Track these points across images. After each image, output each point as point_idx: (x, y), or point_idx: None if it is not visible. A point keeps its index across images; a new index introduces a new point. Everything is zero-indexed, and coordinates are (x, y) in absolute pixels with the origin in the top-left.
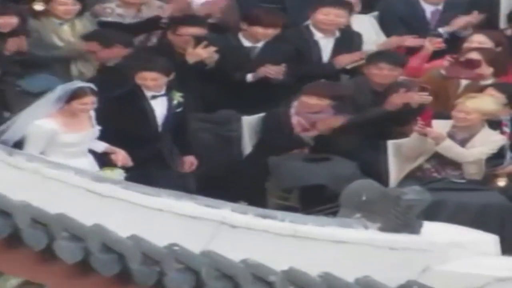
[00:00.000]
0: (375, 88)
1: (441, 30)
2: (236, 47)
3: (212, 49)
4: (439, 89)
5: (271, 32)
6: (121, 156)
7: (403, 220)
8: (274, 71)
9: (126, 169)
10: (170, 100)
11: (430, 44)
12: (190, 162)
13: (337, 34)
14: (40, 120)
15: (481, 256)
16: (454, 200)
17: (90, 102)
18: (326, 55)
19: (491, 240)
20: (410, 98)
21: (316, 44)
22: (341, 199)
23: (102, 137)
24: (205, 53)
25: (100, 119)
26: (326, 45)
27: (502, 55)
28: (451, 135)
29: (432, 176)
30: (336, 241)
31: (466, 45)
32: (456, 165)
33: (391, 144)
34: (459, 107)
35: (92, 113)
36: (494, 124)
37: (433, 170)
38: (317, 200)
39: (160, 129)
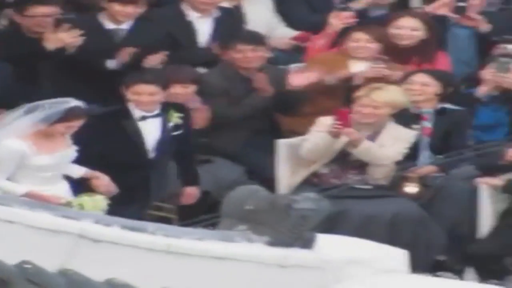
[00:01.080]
0: (243, 74)
1: (351, 5)
2: (97, 29)
3: (76, 32)
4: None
5: (132, 10)
6: (104, 181)
7: (295, 233)
8: (152, 59)
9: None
10: (165, 122)
11: (336, 20)
12: (190, 194)
13: (216, 13)
14: (8, 140)
15: (385, 274)
16: (360, 210)
17: (77, 125)
18: (203, 37)
19: (397, 256)
20: (307, 78)
21: (191, 25)
22: (222, 208)
23: (81, 162)
24: (68, 38)
25: (79, 141)
26: (203, 26)
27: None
28: None
29: (330, 182)
30: (216, 257)
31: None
32: (359, 169)
33: (282, 144)
34: (364, 101)
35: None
36: (413, 118)
37: (331, 176)
38: (197, 210)
39: (151, 155)
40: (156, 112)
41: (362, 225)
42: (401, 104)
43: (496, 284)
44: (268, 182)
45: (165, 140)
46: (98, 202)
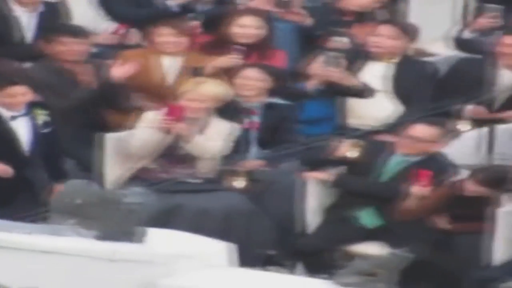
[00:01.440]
0: (67, 67)
1: (170, 3)
2: None
3: None
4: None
5: None
6: None
7: (124, 227)
8: None
9: None
10: (33, 120)
11: None
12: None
13: (41, 8)
14: None
15: (213, 268)
16: (193, 204)
17: None
18: (29, 33)
19: (225, 250)
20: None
21: (16, 20)
22: (52, 203)
23: None
24: None
25: None
26: (28, 21)
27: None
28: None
29: (159, 176)
30: (45, 251)
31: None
32: (186, 163)
33: (109, 138)
34: (190, 96)
35: None
36: (243, 112)
37: (160, 170)
38: (26, 204)
39: (26, 154)
40: (23, 111)
41: (195, 219)
42: (224, 97)
43: (324, 278)
44: (98, 176)
45: (37, 138)
46: None
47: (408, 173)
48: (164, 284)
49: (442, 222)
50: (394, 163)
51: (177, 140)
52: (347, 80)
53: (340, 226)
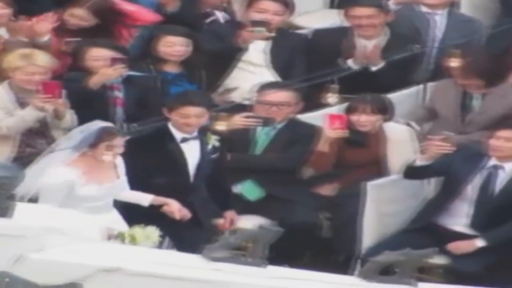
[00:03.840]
0: None
1: None
2: None
3: None
4: None
5: None
6: (175, 207)
7: None
8: None
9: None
10: (203, 144)
11: None
12: (230, 218)
13: None
14: (56, 169)
15: (85, 243)
16: None
17: (118, 145)
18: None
19: (96, 225)
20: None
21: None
22: None
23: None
24: None
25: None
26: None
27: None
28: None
29: (24, 151)
30: None
31: None
32: (45, 136)
33: None
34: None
35: (120, 162)
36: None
37: (24, 145)
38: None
39: (192, 179)
40: (195, 134)
41: None
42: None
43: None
44: None
45: (205, 163)
46: (150, 233)
47: (278, 142)
48: (35, 258)
49: (328, 189)
50: (263, 134)
51: (53, 116)
52: None
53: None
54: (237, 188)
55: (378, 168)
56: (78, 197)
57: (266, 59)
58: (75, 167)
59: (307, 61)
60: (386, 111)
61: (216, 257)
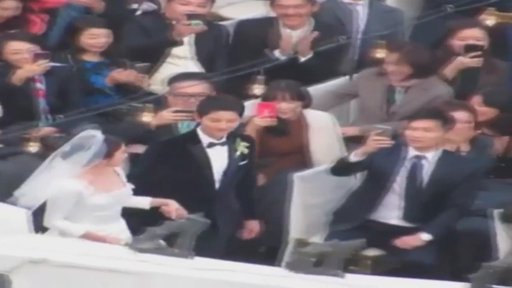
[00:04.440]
0: None
1: None
2: None
3: None
4: None
5: None
6: (173, 207)
7: None
8: None
9: None
10: (231, 151)
11: None
12: (251, 229)
13: None
14: (63, 180)
15: (11, 235)
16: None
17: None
18: None
19: (22, 216)
20: None
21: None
22: None
23: (143, 193)
24: None
25: (144, 167)
26: None
27: None
28: None
29: None
30: None
31: None
32: None
33: None
34: None
35: (120, 170)
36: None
37: None
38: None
39: (217, 186)
40: (223, 139)
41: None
42: None
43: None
44: None
45: (232, 170)
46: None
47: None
48: None
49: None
50: (185, 126)
51: None
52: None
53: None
54: None
55: (302, 157)
56: (87, 207)
57: (191, 51)
58: (81, 178)
59: (233, 52)
60: (303, 97)
61: (143, 248)
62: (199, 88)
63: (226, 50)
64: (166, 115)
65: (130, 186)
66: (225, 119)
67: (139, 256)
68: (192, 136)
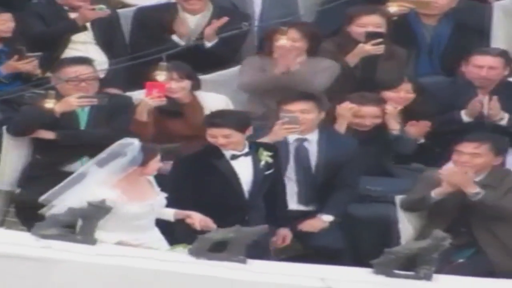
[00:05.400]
0: None
1: None
2: None
3: None
4: None
5: None
6: (197, 219)
7: None
8: None
9: None
10: (256, 161)
11: None
12: (282, 236)
13: None
14: (97, 190)
15: None
16: None
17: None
18: None
19: None
20: None
21: None
22: None
23: (175, 206)
24: None
25: (171, 185)
26: None
27: None
28: None
29: None
30: None
31: None
32: None
33: None
34: None
35: (152, 178)
36: None
37: None
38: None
39: (247, 196)
40: (245, 150)
41: None
42: None
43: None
44: None
45: (259, 180)
46: None
47: (98, 116)
48: None
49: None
50: (81, 110)
51: None
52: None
53: (55, 179)
54: (76, 166)
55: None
56: (121, 216)
57: (90, 36)
58: (114, 186)
59: (134, 38)
60: (192, 77)
61: (45, 235)
62: (85, 72)
63: (121, 35)
64: (72, 101)
65: (163, 195)
66: (220, 135)
67: (42, 242)
68: (215, 150)
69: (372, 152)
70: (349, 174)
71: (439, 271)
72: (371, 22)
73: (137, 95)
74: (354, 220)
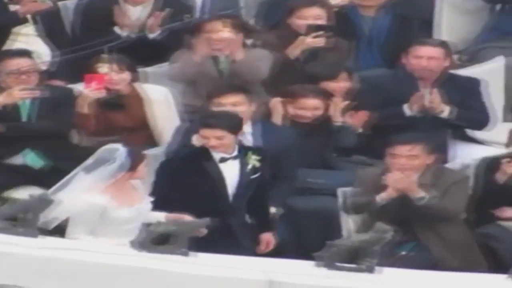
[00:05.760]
0: None
1: None
2: None
3: None
4: None
5: None
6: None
7: None
8: None
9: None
10: (243, 164)
11: None
12: (266, 241)
13: None
14: (86, 195)
15: None
16: None
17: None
18: None
19: None
20: None
21: None
22: None
23: (162, 207)
24: None
25: (156, 187)
26: None
27: None
28: None
29: None
30: None
31: None
32: None
33: None
34: None
35: (139, 183)
36: None
37: None
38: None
39: (231, 199)
40: (234, 153)
41: None
42: None
43: None
44: None
45: (244, 183)
46: None
47: (41, 108)
48: None
49: None
50: (22, 102)
51: None
52: None
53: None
54: (20, 159)
55: (150, 133)
56: (111, 221)
57: (32, 28)
58: (103, 192)
59: (78, 31)
60: (132, 69)
61: None
62: (26, 64)
63: (63, 27)
64: (15, 93)
65: (149, 199)
66: (213, 137)
67: None
68: (204, 152)
69: (314, 144)
70: (288, 166)
71: (382, 263)
72: (312, 14)
73: (79, 88)
74: (296, 213)
